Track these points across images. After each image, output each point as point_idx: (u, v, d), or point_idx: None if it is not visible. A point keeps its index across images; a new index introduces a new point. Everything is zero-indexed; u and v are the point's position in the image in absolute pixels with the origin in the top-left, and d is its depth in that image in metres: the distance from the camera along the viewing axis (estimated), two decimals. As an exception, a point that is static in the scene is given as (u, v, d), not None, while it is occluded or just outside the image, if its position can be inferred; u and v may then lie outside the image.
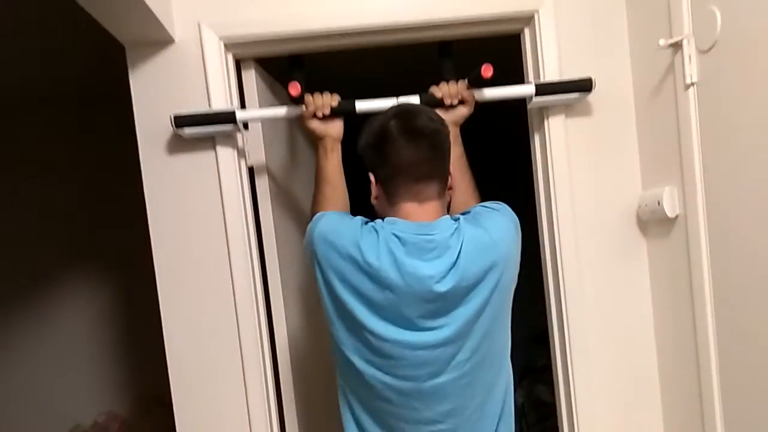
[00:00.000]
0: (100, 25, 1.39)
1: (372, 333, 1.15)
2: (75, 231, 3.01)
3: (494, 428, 1.24)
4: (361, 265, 1.14)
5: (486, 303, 1.15)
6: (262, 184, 1.67)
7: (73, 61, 2.36)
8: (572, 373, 1.59)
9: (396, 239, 1.14)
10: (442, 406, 1.18)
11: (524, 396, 3.38)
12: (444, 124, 1.25)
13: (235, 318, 1.54)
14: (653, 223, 1.56)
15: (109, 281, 3.07)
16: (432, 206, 1.20)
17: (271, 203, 1.68)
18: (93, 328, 3.06)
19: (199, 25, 1.52)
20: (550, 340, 1.69)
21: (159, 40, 1.51)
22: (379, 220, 1.21)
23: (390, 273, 1.12)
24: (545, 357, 1.77)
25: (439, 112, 1.36)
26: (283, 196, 1.80)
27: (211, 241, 1.54)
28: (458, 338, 1.15)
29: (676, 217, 1.44)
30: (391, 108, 1.26)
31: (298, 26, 1.54)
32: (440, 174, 1.22)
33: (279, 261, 1.67)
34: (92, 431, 2.88)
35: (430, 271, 1.12)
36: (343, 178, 1.42)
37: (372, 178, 1.25)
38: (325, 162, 1.41)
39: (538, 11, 1.55)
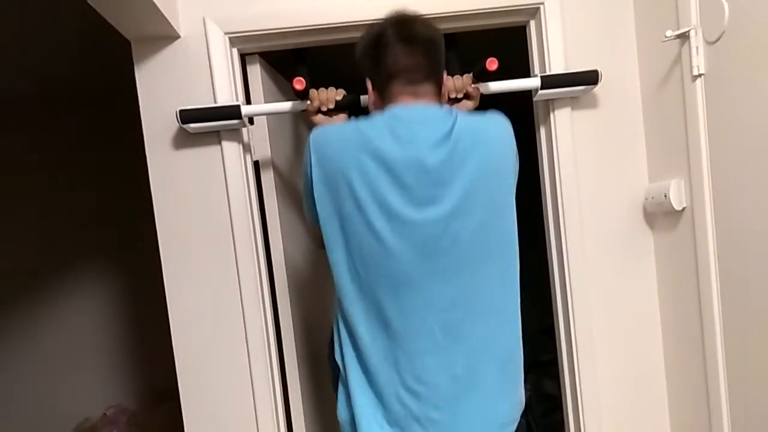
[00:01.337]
0: (103, 24, 1.39)
1: (374, 215, 1.15)
2: (81, 227, 3.03)
3: (505, 331, 1.24)
4: (361, 144, 1.15)
5: (479, 178, 1.17)
6: (268, 178, 1.67)
7: (74, 60, 2.36)
8: (578, 367, 1.59)
9: (395, 119, 1.17)
10: (448, 290, 1.18)
11: (530, 389, 3.37)
12: (440, 33, 1.27)
13: (241, 312, 1.55)
14: (660, 215, 1.56)
15: (117, 275, 3.09)
16: (427, 100, 1.23)
17: (277, 197, 1.68)
18: (102, 322, 3.09)
19: (204, 20, 1.52)
20: (556, 334, 1.69)
21: (164, 35, 1.52)
22: (376, 112, 1.23)
23: (390, 144, 1.14)
24: (551, 351, 1.77)
25: None
26: (288, 189, 1.81)
27: (217, 235, 1.55)
28: (458, 213, 1.16)
29: (683, 209, 1.43)
30: (389, 16, 1.26)
31: (302, 20, 1.54)
32: (435, 77, 1.24)
33: (285, 254, 1.68)
34: (101, 424, 2.90)
35: (427, 135, 1.15)
36: None
37: (369, 85, 1.28)
38: None
39: (543, 3, 1.55)
